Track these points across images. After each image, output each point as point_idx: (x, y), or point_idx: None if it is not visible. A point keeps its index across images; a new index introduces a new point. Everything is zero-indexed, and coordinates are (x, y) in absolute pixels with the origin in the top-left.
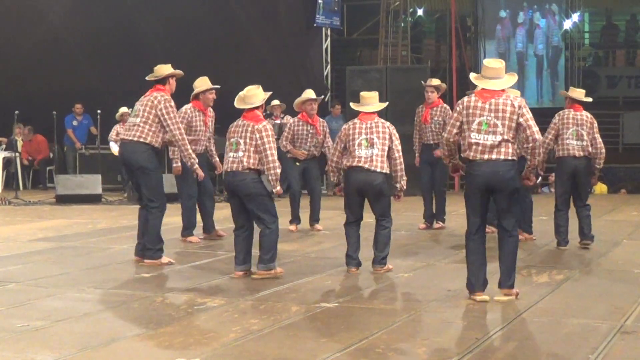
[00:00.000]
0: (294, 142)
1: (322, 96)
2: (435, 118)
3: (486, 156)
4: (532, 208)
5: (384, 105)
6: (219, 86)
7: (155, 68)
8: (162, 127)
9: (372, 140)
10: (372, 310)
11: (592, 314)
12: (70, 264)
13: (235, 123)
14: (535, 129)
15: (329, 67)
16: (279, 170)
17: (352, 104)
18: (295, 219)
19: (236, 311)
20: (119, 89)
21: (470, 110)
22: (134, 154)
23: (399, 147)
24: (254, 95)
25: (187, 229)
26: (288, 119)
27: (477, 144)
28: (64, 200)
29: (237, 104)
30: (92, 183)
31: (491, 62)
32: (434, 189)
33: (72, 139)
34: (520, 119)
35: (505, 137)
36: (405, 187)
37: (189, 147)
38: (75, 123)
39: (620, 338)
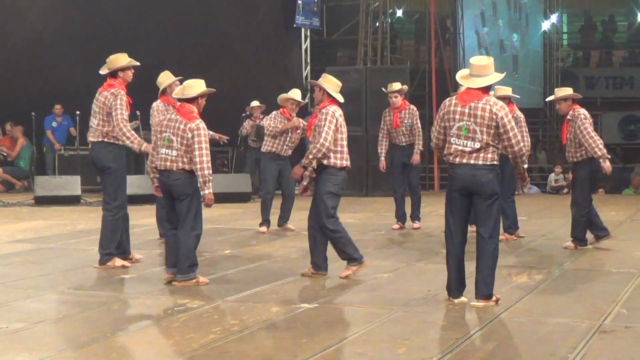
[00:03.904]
0: (274, 137)
1: (307, 101)
2: (405, 121)
3: (465, 160)
4: (515, 208)
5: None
6: (182, 77)
7: (108, 59)
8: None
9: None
10: (352, 311)
11: (571, 314)
12: (50, 266)
13: (168, 116)
14: (515, 140)
15: (308, 67)
16: (207, 172)
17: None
18: (266, 221)
19: (216, 312)
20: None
21: (450, 115)
22: (98, 155)
23: None
24: (191, 87)
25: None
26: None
27: (457, 149)
28: (43, 201)
29: (176, 93)
30: (71, 184)
31: (477, 60)
32: (409, 189)
33: (51, 140)
34: (501, 129)
35: (484, 144)
36: None
37: (128, 135)
38: (54, 124)
39: (599, 337)
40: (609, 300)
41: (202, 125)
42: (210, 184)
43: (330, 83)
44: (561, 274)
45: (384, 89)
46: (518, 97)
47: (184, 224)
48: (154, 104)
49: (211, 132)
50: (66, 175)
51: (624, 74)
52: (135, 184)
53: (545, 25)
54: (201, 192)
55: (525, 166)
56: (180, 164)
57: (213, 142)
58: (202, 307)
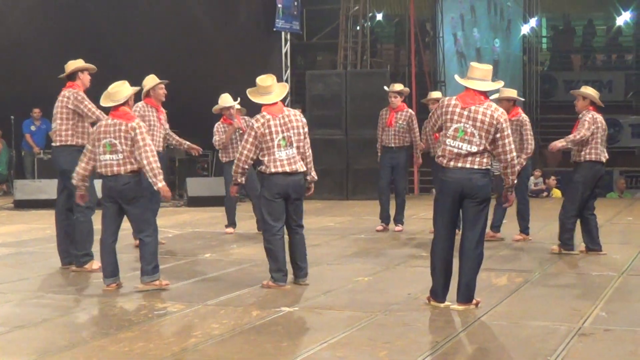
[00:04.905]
0: (226, 146)
1: (238, 100)
2: (400, 122)
3: (460, 164)
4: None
5: (285, 92)
6: (167, 81)
7: (65, 65)
8: (82, 122)
9: (290, 139)
10: (332, 314)
11: (550, 317)
12: (29, 270)
13: (104, 122)
14: (509, 147)
15: (288, 71)
16: (156, 165)
17: (251, 97)
18: (232, 223)
19: (196, 316)
20: None
21: (449, 116)
22: (58, 159)
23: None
24: (117, 92)
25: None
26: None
27: (451, 151)
28: (22, 205)
29: (103, 102)
30: (51, 188)
31: (480, 65)
32: (395, 192)
33: (30, 144)
34: (497, 134)
35: (482, 148)
36: (316, 178)
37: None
38: (33, 128)
39: (578, 340)
40: (589, 303)
41: (142, 123)
42: (161, 176)
43: (259, 88)
44: (541, 277)
45: (386, 87)
46: (523, 99)
47: (144, 227)
48: (137, 104)
49: (187, 144)
50: (45, 179)
51: (602, 78)
52: None
53: (525, 29)
54: (154, 187)
55: (514, 177)
56: (128, 166)
57: (187, 154)
58: (183, 310)
